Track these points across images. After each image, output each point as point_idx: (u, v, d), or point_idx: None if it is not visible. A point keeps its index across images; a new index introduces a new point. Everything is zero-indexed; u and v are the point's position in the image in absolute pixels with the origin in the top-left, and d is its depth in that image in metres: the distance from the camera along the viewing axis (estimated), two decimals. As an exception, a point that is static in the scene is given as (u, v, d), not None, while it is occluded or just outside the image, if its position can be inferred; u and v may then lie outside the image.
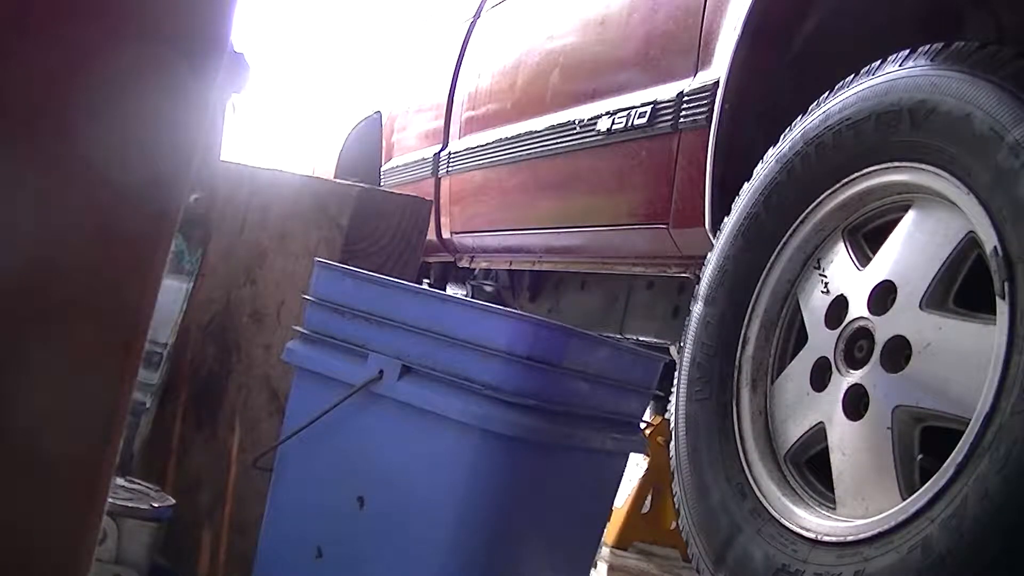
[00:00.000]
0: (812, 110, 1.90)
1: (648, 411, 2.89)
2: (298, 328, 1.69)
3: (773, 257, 1.91)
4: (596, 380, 1.59)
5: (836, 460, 1.69)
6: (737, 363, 1.93)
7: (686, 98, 2.32)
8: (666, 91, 2.41)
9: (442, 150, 3.71)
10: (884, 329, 1.65)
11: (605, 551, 3.03)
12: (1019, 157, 1.46)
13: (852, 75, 1.84)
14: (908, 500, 1.53)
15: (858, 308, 1.72)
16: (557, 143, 2.86)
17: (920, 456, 1.58)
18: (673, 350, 2.70)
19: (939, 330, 1.56)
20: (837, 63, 1.97)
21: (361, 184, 2.07)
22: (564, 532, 1.67)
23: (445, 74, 3.79)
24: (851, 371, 1.70)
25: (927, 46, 1.70)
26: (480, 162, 3.37)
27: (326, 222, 1.98)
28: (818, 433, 1.74)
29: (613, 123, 2.59)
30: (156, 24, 0.74)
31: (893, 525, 1.50)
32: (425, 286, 3.01)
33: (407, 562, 1.51)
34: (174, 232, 0.78)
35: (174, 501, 1.75)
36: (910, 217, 1.69)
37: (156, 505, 1.69)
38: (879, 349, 1.64)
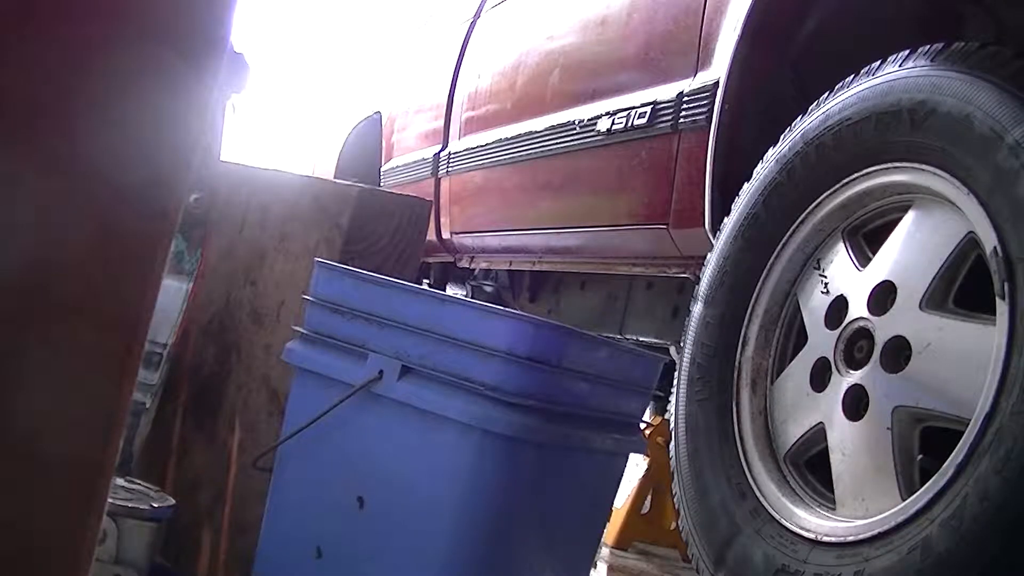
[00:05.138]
0: (812, 110, 1.90)
1: (648, 411, 2.89)
2: (298, 328, 1.69)
3: (773, 257, 1.91)
4: (596, 380, 1.59)
5: (836, 460, 1.69)
6: (737, 363, 1.93)
7: (686, 98, 2.32)
8: (666, 91, 2.41)
9: (442, 150, 3.71)
10: (884, 329, 1.65)
11: (605, 551, 3.03)
12: (1019, 157, 1.46)
13: (852, 75, 1.84)
14: (908, 500, 1.53)
15: (858, 308, 1.72)
16: (557, 143, 2.86)
17: (920, 456, 1.58)
18: (673, 350, 2.70)
19: (939, 330, 1.56)
20: (837, 63, 1.97)
21: (361, 184, 2.06)
22: (564, 532, 1.67)
23: (445, 74, 3.79)
24: (851, 371, 1.70)
25: (927, 46, 1.70)
26: (480, 162, 3.37)
27: (326, 222, 1.98)
28: (818, 433, 1.74)
29: (613, 123, 2.59)
30: (156, 24, 0.74)
31: (893, 525, 1.50)
32: (425, 286, 3.02)
33: (407, 562, 1.51)
34: (174, 232, 0.78)
35: (174, 501, 1.75)
36: (910, 217, 1.69)
37: (156, 505, 1.69)
38: (879, 349, 1.64)
